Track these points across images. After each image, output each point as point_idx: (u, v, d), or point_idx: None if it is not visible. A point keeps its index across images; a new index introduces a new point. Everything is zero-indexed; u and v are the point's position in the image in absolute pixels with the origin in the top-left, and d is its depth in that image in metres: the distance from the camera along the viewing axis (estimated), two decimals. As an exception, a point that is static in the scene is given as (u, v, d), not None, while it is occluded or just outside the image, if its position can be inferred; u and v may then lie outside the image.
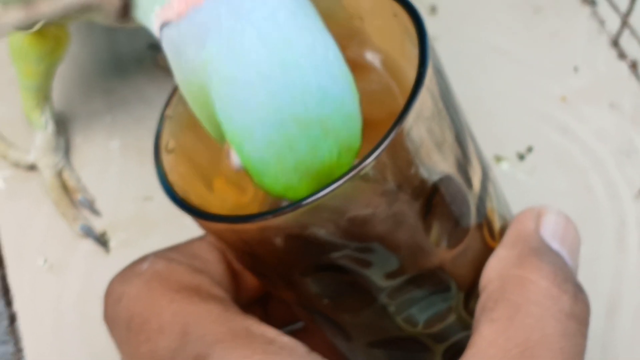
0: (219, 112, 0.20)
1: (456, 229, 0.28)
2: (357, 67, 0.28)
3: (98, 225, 0.31)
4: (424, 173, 0.27)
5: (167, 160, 0.27)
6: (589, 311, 0.27)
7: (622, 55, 0.34)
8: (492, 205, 0.29)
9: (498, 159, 0.32)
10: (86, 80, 0.35)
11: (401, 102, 0.29)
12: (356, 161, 0.24)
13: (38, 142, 0.31)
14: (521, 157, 0.32)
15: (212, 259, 0.29)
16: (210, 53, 0.19)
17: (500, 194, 0.30)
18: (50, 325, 0.29)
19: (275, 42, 0.20)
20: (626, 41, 0.34)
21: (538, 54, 0.35)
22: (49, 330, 0.29)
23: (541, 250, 0.28)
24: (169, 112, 0.27)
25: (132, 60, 0.34)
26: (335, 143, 0.21)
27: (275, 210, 0.25)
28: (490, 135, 0.33)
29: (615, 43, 0.34)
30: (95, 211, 0.31)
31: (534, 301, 0.27)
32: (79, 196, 0.31)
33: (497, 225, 0.29)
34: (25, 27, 0.25)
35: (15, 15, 0.07)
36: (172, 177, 0.27)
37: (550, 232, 0.28)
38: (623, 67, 0.34)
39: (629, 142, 0.32)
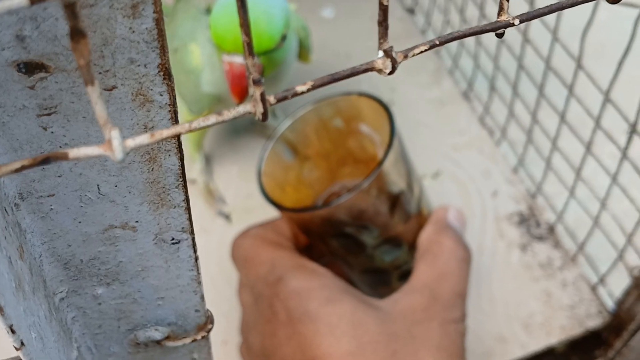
0: (211, 20, 0.41)
1: (406, 215, 0.42)
2: (358, 134, 0.45)
3: (226, 209, 0.57)
4: (391, 189, 0.40)
5: (264, 180, 0.42)
6: (471, 258, 0.43)
7: (484, 127, 0.63)
8: (423, 204, 0.44)
9: (423, 177, 0.60)
10: (221, 137, 0.60)
11: (381, 152, 0.43)
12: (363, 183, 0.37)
13: (196, 168, 0.57)
14: (434, 177, 0.59)
15: (285, 228, 0.43)
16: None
17: (427, 198, 0.45)
18: (202, 257, 0.53)
19: None
20: (488, 120, 0.63)
21: (441, 123, 0.62)
22: (201, 262, 0.53)
23: (448, 227, 0.43)
24: (264, 155, 0.43)
25: (243, 127, 0.61)
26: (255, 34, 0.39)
27: (317, 206, 0.40)
28: (420, 164, 0.58)
29: (481, 120, 0.63)
30: (224, 203, 0.57)
31: (444, 251, 0.41)
32: (216, 196, 0.57)
33: (425, 214, 0.44)
34: (198, 114, 0.51)
35: (210, 121, 0.13)
36: (267, 188, 0.42)
37: (452, 218, 0.43)
38: (485, 134, 0.62)
39: (487, 170, 0.60)
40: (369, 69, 0.14)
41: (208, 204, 0.57)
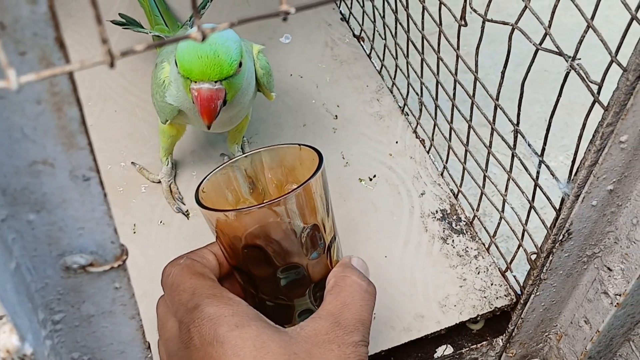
0: (177, 55, 0.47)
1: (313, 249, 0.45)
2: (297, 175, 0.48)
3: (184, 207, 0.65)
4: (304, 220, 0.44)
5: (201, 194, 0.47)
6: (375, 290, 0.45)
7: (417, 137, 0.71)
8: (333, 251, 0.47)
9: (361, 179, 0.67)
10: (188, 149, 0.68)
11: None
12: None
13: (162, 171, 0.65)
14: (370, 179, 0.67)
15: (210, 259, 0.46)
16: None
17: (339, 246, 0.48)
18: (162, 246, 0.62)
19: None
20: (419, 131, 0.71)
21: (379, 134, 0.70)
22: (162, 251, 0.62)
23: (353, 267, 0.46)
24: (204, 181, 0.47)
25: (209, 145, 0.69)
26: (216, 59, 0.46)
27: (239, 208, 0.43)
28: (358, 169, 0.67)
29: (414, 132, 0.71)
30: (183, 202, 0.65)
31: (349, 284, 0.45)
32: (176, 196, 0.65)
33: (334, 259, 0.47)
34: (164, 122, 0.60)
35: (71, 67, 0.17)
36: (202, 199, 0.46)
37: (355, 262, 0.47)
38: (417, 143, 0.70)
39: (417, 174, 0.67)
40: (186, 37, 0.22)
41: (169, 202, 0.65)
